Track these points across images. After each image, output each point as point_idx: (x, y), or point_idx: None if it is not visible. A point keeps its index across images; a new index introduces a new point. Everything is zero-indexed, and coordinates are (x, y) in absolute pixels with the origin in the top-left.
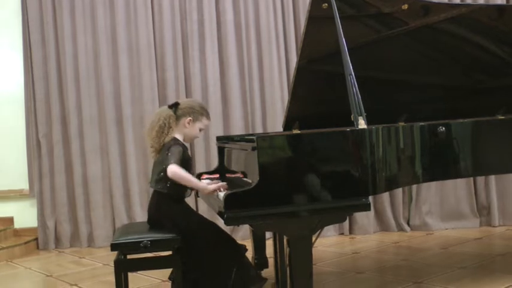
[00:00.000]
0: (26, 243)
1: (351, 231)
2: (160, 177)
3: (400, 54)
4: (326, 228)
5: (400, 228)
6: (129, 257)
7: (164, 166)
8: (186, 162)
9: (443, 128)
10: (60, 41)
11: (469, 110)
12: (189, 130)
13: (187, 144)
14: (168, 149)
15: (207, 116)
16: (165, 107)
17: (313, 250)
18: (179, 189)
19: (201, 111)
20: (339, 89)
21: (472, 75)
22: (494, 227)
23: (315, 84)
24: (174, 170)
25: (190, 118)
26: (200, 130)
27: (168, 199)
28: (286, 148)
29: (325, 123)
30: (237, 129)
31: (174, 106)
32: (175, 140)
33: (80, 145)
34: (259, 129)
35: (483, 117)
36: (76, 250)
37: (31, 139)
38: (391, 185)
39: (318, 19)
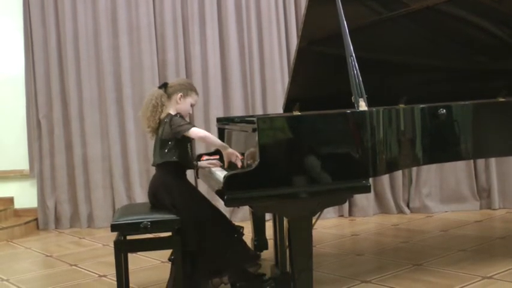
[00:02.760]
0: (26, 223)
1: (351, 213)
2: (167, 151)
3: (401, 36)
4: (326, 210)
5: (400, 211)
6: (128, 237)
7: (171, 141)
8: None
9: (444, 110)
10: (61, 22)
11: (470, 92)
12: (182, 105)
13: None
14: (170, 120)
15: (196, 92)
16: (155, 88)
17: (313, 232)
18: (186, 160)
19: (189, 87)
20: (339, 70)
21: (473, 57)
22: (494, 209)
23: (315, 66)
24: (197, 131)
25: (181, 94)
26: (191, 106)
27: (171, 173)
28: (287, 129)
29: (325, 104)
30: (237, 111)
31: (164, 86)
32: (171, 114)
33: (80, 125)
34: (259, 111)
35: (484, 99)
36: (76, 231)
37: (31, 120)
38: (391, 167)
39: (318, 0)
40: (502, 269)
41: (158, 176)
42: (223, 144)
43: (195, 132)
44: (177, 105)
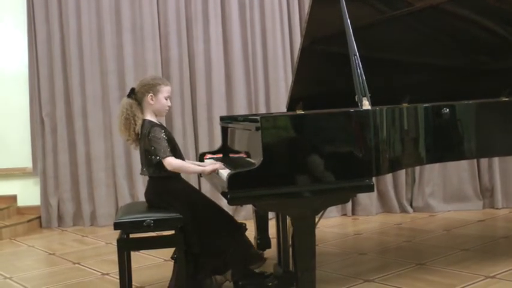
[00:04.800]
0: (29, 221)
1: (354, 212)
2: (153, 164)
3: (405, 35)
4: (329, 209)
5: (403, 210)
6: (131, 236)
7: (154, 156)
8: (173, 146)
9: (448, 110)
10: (65, 19)
11: (473, 92)
12: (156, 105)
13: (162, 120)
14: (148, 135)
15: (164, 83)
16: (124, 98)
17: (316, 231)
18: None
19: (154, 82)
20: (343, 69)
21: (476, 56)
22: (497, 209)
23: (319, 65)
24: (172, 163)
25: (150, 94)
26: (166, 99)
27: (163, 181)
28: (290, 128)
29: (329, 103)
30: (240, 109)
31: (131, 93)
32: (149, 122)
33: (84, 123)
34: (262, 109)
35: (487, 99)
36: (79, 229)
37: (35, 117)
38: (394, 166)
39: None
40: (505, 268)
41: (150, 185)
42: (200, 168)
43: (169, 162)
44: (152, 106)
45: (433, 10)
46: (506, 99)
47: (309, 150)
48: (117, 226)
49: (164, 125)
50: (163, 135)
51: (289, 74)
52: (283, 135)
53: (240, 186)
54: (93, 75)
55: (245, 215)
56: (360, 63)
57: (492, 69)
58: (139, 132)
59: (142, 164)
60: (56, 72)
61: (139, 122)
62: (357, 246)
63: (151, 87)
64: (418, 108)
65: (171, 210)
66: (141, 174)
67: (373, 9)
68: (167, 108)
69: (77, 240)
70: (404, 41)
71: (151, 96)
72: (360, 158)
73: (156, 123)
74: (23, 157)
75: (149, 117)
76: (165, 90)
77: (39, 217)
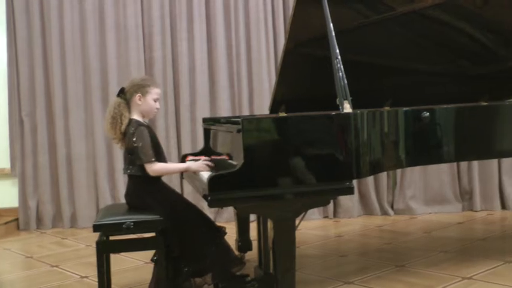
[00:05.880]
0: (5, 223)
1: (335, 214)
2: (135, 164)
3: (387, 39)
4: (310, 211)
5: (384, 212)
6: (112, 238)
7: (136, 157)
8: (157, 145)
9: (428, 113)
10: (46, 16)
11: (454, 96)
12: (144, 106)
13: (147, 121)
14: (133, 134)
15: (154, 85)
16: (115, 98)
17: (297, 233)
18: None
19: (144, 83)
20: (326, 72)
21: (457, 61)
22: (476, 211)
23: (302, 68)
24: (153, 169)
25: (139, 94)
26: (155, 101)
27: (144, 182)
28: (272, 131)
29: (312, 106)
30: (224, 111)
31: (121, 92)
32: (136, 122)
33: (65, 124)
34: (245, 111)
35: (467, 103)
36: (58, 231)
37: (14, 117)
38: (374, 169)
39: (306, 2)
40: (481, 269)
41: (130, 185)
42: (185, 166)
43: (151, 169)
44: (140, 106)
45: (415, 15)
46: (486, 103)
47: (290, 153)
48: (96, 228)
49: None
50: (148, 138)
51: (273, 76)
52: (264, 137)
53: (220, 188)
54: (75, 75)
55: (227, 217)
56: (341, 66)
57: (473, 74)
58: (126, 132)
59: (125, 162)
60: (37, 71)
61: (125, 121)
62: (337, 248)
63: (140, 87)
64: (399, 111)
65: (151, 212)
66: (124, 173)
67: (356, 13)
68: (155, 110)
69: (55, 242)
70: (388, 45)
71: (140, 96)
72: (341, 160)
73: (143, 124)
74: (0, 158)
75: (136, 117)
76: (154, 92)
77: (17, 219)
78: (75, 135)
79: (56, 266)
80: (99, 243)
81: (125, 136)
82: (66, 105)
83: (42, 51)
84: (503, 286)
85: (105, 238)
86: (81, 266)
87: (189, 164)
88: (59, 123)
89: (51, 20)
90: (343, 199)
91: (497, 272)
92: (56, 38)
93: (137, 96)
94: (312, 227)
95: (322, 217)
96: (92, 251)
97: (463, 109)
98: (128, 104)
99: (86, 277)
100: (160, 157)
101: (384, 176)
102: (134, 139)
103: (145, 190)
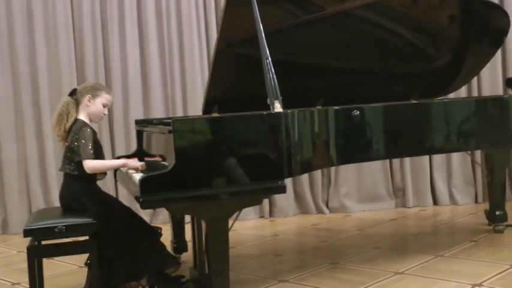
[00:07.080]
0: None
1: (271, 214)
2: (72, 162)
3: (318, 39)
4: (246, 211)
5: (319, 211)
6: (44, 243)
7: (75, 155)
8: (99, 148)
9: (358, 112)
10: None
11: (388, 95)
12: (92, 108)
13: (94, 126)
14: (76, 133)
15: (106, 91)
16: (66, 96)
17: (233, 233)
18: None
19: (96, 87)
20: (258, 72)
21: (387, 61)
22: (408, 208)
23: (234, 68)
24: (90, 166)
25: (89, 96)
26: (104, 106)
27: (80, 181)
28: (203, 131)
29: (245, 107)
30: (158, 113)
31: (73, 92)
32: (82, 122)
33: None
34: (179, 113)
35: (398, 101)
36: None
37: None
38: (306, 167)
39: (236, 3)
40: (413, 264)
41: (66, 184)
42: (121, 162)
43: (87, 166)
44: (88, 108)
45: (345, 15)
46: (415, 101)
47: (222, 153)
48: (27, 233)
49: None
50: (90, 138)
51: (207, 77)
52: (195, 137)
53: (152, 189)
54: (4, 77)
55: (163, 218)
56: (272, 66)
57: (404, 73)
58: (70, 130)
59: (63, 160)
60: None
61: (71, 120)
62: (273, 247)
63: (91, 89)
64: (329, 110)
65: (85, 214)
66: (60, 170)
67: (287, 13)
68: (102, 115)
69: None
70: (320, 45)
71: (89, 97)
72: (273, 159)
73: (88, 125)
74: None
75: (83, 118)
76: (104, 97)
77: None
78: (5, 139)
79: None
80: (30, 248)
81: (68, 134)
82: None
83: None
84: (434, 279)
85: (36, 243)
86: (13, 272)
87: (126, 161)
88: None
89: None
90: (279, 199)
91: (429, 266)
92: None
93: (87, 97)
94: (248, 226)
95: (258, 217)
96: (24, 256)
97: (392, 107)
98: (77, 104)
99: (18, 284)
100: (100, 159)
101: (318, 174)
102: (77, 137)
103: (81, 190)
